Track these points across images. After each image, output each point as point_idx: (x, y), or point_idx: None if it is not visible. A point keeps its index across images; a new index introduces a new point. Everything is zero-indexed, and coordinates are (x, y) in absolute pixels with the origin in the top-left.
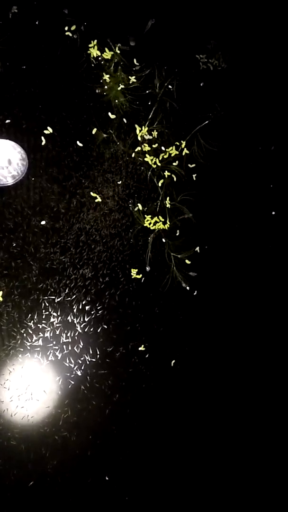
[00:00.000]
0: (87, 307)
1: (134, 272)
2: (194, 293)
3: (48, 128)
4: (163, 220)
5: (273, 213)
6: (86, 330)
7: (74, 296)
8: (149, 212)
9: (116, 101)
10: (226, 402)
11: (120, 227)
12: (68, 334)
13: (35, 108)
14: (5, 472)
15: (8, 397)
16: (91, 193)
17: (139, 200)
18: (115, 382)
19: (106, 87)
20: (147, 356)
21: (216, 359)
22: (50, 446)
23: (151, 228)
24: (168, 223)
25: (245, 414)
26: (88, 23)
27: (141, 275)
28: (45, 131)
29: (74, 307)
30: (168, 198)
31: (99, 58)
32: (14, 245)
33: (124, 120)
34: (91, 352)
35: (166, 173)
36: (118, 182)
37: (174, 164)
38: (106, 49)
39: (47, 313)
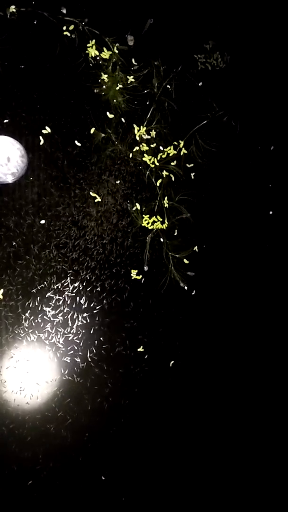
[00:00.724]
0: (84, 307)
1: (134, 273)
2: (193, 293)
3: (47, 127)
4: (161, 219)
5: (271, 212)
6: (83, 330)
7: (71, 296)
8: (147, 211)
9: (115, 100)
10: (225, 403)
11: (118, 226)
12: (65, 333)
13: (33, 108)
14: None
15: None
16: (91, 193)
17: (137, 199)
18: (113, 383)
19: (104, 86)
20: (146, 357)
21: (215, 359)
22: (44, 449)
23: (149, 227)
24: (166, 222)
25: (244, 415)
26: (86, 23)
27: (141, 276)
28: (44, 131)
29: (71, 307)
30: (166, 198)
31: (97, 58)
32: (13, 243)
33: (123, 119)
34: (88, 352)
35: (164, 173)
36: (117, 182)
37: (172, 164)
38: (105, 49)
39: (44, 313)
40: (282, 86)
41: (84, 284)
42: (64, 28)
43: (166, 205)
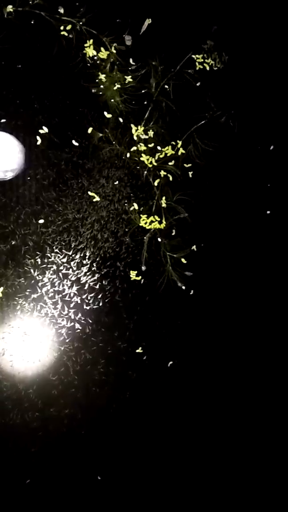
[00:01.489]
0: (81, 308)
1: (133, 274)
2: (191, 293)
3: (44, 127)
4: (159, 219)
5: (268, 212)
6: (80, 330)
7: (67, 297)
8: (145, 211)
9: (112, 100)
10: (224, 402)
11: (116, 226)
12: (62, 333)
13: (30, 107)
14: None
15: None
16: (89, 192)
17: (135, 199)
18: (111, 383)
19: (102, 86)
20: (144, 358)
21: (214, 359)
22: (36, 453)
23: (147, 227)
24: (164, 222)
25: (242, 414)
26: (83, 23)
27: (140, 276)
28: (41, 131)
29: (69, 307)
30: (164, 198)
31: (95, 58)
32: (13, 243)
33: (120, 119)
34: (86, 354)
35: (162, 173)
36: (115, 182)
37: (170, 163)
38: (102, 49)
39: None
40: (280, 86)
41: (81, 284)
42: (62, 28)
43: (164, 205)
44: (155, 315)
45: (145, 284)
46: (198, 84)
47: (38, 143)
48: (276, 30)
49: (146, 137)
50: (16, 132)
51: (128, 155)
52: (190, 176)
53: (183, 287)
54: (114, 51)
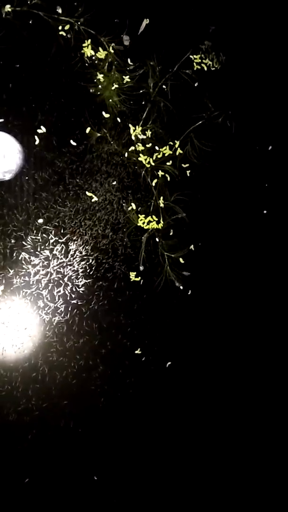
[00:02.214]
0: (78, 308)
1: (132, 275)
2: (189, 293)
3: (42, 127)
4: (156, 219)
5: (265, 212)
6: (77, 330)
7: (65, 298)
8: (142, 211)
9: (110, 100)
10: (222, 402)
11: (114, 226)
12: (60, 333)
13: (28, 107)
14: None
15: None
16: (87, 192)
17: (133, 199)
18: (110, 384)
19: (100, 86)
20: (143, 359)
21: (212, 358)
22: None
23: (145, 227)
24: (162, 222)
25: (241, 413)
26: (82, 23)
27: (139, 277)
28: (39, 130)
29: (67, 308)
30: (161, 198)
31: (93, 58)
32: (13, 241)
33: (118, 119)
34: (83, 355)
35: (160, 173)
36: (113, 183)
37: (167, 163)
38: (100, 49)
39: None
40: (277, 87)
41: (78, 284)
42: (60, 27)
43: (161, 205)
44: (152, 315)
45: (142, 284)
46: (195, 85)
47: (36, 142)
48: (274, 31)
49: (144, 137)
50: (14, 132)
51: (126, 155)
52: (188, 176)
53: (181, 287)
54: (112, 51)
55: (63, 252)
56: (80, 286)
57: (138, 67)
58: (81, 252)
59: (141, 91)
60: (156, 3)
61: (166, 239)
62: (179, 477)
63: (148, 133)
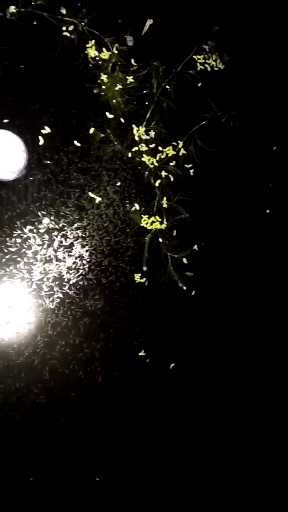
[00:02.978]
0: (83, 309)
1: (137, 276)
2: (192, 293)
3: (46, 127)
4: (160, 220)
5: (267, 211)
6: (79, 331)
7: (66, 298)
8: (146, 212)
9: (114, 101)
10: (226, 404)
11: (117, 226)
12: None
13: (32, 107)
14: None
15: None
16: (90, 193)
17: (136, 200)
18: (112, 386)
19: (103, 87)
20: (147, 360)
21: (216, 360)
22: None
23: (148, 228)
24: (165, 223)
25: (245, 418)
26: (85, 23)
27: (144, 279)
28: (43, 131)
29: (70, 308)
30: (165, 198)
31: (97, 58)
32: (17, 240)
33: (122, 120)
34: (86, 356)
35: (163, 173)
36: (117, 184)
37: (171, 164)
38: (104, 49)
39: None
40: (282, 87)
41: (80, 285)
42: (64, 28)
43: (165, 205)
44: (155, 316)
45: (145, 285)
46: (199, 85)
47: (41, 143)
48: (278, 31)
49: (148, 137)
50: (18, 132)
51: (129, 155)
52: (191, 176)
53: (184, 288)
54: (116, 52)
55: (66, 252)
56: (82, 287)
57: (141, 68)
58: (84, 252)
59: (144, 91)
60: (159, 4)
61: (170, 239)
62: (182, 477)
63: (152, 133)
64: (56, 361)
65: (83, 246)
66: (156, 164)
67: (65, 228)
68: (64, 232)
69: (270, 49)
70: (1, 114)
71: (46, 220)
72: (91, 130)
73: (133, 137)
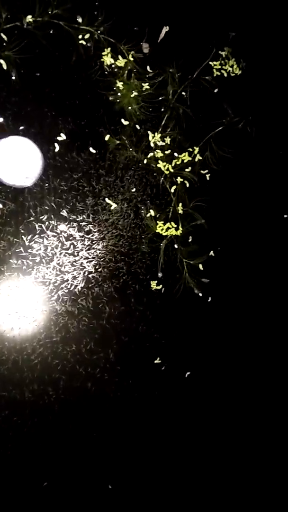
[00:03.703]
0: (93, 315)
1: (153, 284)
2: (209, 300)
3: (62, 134)
4: (175, 226)
5: (285, 216)
6: (93, 338)
7: (81, 304)
8: (161, 218)
9: (129, 108)
10: (242, 413)
11: (132, 232)
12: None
13: (49, 115)
14: None
15: None
16: (107, 199)
17: (152, 206)
18: (127, 395)
19: (119, 94)
20: (163, 368)
21: (233, 368)
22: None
23: (164, 234)
24: (181, 229)
25: (263, 428)
26: (101, 31)
27: (161, 286)
28: (59, 138)
29: (83, 314)
30: (180, 204)
31: (113, 66)
32: (33, 247)
33: (137, 126)
34: (101, 363)
35: (179, 179)
36: (132, 189)
37: (186, 170)
38: (120, 57)
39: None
40: None
41: (97, 292)
42: (80, 36)
43: (180, 211)
44: (172, 323)
45: (161, 291)
46: (215, 91)
47: (57, 150)
48: None
49: (163, 143)
50: (34, 139)
51: (145, 161)
52: (207, 182)
53: (200, 294)
54: (132, 59)
55: (81, 258)
56: (97, 293)
57: (157, 75)
58: (99, 259)
59: (160, 98)
60: (175, 11)
61: (185, 245)
62: (197, 485)
63: (167, 139)
64: (70, 368)
65: (98, 252)
66: (172, 170)
67: (81, 234)
68: (79, 238)
69: (286, 55)
70: (18, 121)
71: (62, 227)
72: (107, 137)
73: (148, 144)
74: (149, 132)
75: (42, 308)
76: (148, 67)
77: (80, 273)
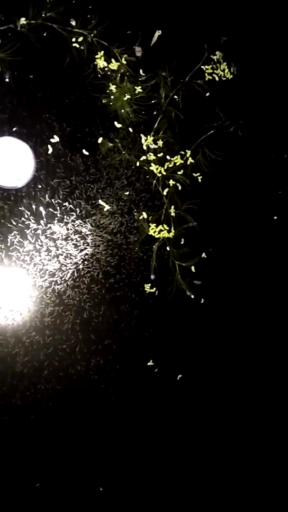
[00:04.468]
0: (85, 317)
1: (147, 286)
2: (201, 302)
3: (55, 136)
4: (167, 228)
5: (275, 217)
6: (86, 340)
7: (76, 307)
8: (154, 220)
9: (122, 111)
10: (234, 417)
11: (125, 235)
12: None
13: (42, 116)
14: None
15: None
16: (99, 201)
17: (144, 208)
18: (121, 397)
19: (112, 97)
20: (156, 370)
21: (226, 371)
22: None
23: (156, 236)
24: (173, 231)
25: (255, 433)
26: (95, 35)
27: (154, 289)
28: (52, 140)
29: (75, 316)
30: (173, 207)
31: (106, 69)
32: (25, 249)
33: (130, 129)
34: (94, 365)
35: (171, 182)
36: (125, 192)
37: (179, 173)
38: (113, 60)
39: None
40: None
41: (90, 294)
42: (73, 39)
43: (172, 214)
44: (164, 325)
45: (153, 294)
46: (207, 95)
47: (49, 152)
48: (286, 41)
49: (156, 146)
50: (27, 140)
51: (137, 164)
52: (199, 185)
53: (192, 296)
54: (125, 62)
55: (73, 260)
56: (89, 295)
57: (150, 78)
58: (92, 261)
59: (152, 101)
60: (168, 15)
61: (177, 248)
62: (188, 487)
63: (160, 142)
64: (62, 371)
65: (90, 254)
66: (164, 173)
67: (73, 236)
68: (71, 240)
69: (278, 59)
70: (11, 123)
71: (54, 228)
72: (100, 140)
73: (141, 146)
74: (141, 135)
75: (32, 309)
76: (141, 71)
77: (72, 275)
